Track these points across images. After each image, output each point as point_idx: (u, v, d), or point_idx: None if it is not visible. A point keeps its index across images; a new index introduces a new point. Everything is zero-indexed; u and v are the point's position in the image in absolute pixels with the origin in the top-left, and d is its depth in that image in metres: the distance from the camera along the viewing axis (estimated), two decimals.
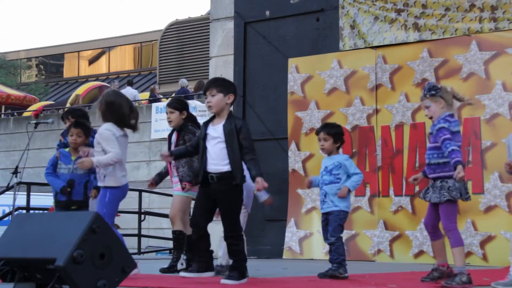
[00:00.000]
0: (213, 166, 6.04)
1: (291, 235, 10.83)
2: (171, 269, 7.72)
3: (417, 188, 9.94)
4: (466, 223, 9.40)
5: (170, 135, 7.91)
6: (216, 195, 6.09)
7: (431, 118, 6.45)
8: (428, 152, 6.37)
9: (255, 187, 6.16)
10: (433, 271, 6.52)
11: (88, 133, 7.60)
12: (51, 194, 7.77)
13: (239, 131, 6.03)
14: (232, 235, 6.10)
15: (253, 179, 6.01)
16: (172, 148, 7.69)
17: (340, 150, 7.15)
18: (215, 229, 8.02)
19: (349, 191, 6.88)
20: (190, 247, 7.55)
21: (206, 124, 6.19)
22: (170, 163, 7.73)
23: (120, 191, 6.64)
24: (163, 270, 7.70)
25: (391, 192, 10.19)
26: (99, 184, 6.68)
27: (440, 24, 10.02)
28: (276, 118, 11.38)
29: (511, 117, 9.41)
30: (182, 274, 6.31)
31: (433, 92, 6.41)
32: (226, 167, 6.01)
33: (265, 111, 11.54)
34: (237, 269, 6.03)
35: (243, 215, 7.12)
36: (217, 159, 6.03)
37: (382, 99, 10.42)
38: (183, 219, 7.83)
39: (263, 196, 6.26)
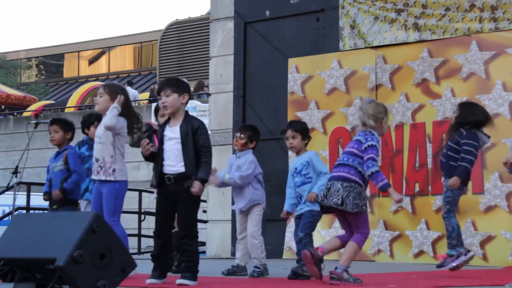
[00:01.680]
0: (170, 168, 5.99)
1: (291, 235, 10.83)
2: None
3: (417, 188, 9.94)
4: (466, 223, 9.40)
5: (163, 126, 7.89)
6: (174, 197, 6.01)
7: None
8: None
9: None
10: None
11: (68, 128, 7.59)
12: None
13: (195, 132, 5.98)
14: (188, 234, 5.99)
15: (198, 180, 5.93)
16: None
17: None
18: (214, 229, 8.03)
19: (317, 195, 6.77)
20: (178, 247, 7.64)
21: (163, 126, 6.14)
22: None
23: (127, 185, 6.64)
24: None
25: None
26: (104, 178, 6.52)
27: (440, 24, 10.02)
28: (276, 118, 11.37)
29: None
30: (149, 281, 6.10)
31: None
32: (182, 169, 5.96)
33: (265, 111, 11.54)
34: (192, 270, 5.96)
35: (259, 213, 7.13)
36: (175, 160, 5.97)
37: (382, 99, 10.39)
38: None
39: None
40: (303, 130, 7.01)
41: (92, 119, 7.81)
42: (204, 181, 5.97)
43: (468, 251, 7.21)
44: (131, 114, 6.67)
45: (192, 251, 6.02)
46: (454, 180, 7.08)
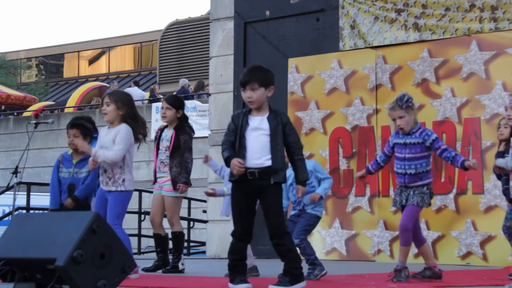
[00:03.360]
0: (255, 161, 5.40)
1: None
2: (173, 269, 7.72)
3: None
4: (466, 223, 9.40)
5: (161, 130, 7.88)
6: (258, 192, 5.44)
7: (401, 129, 6.43)
8: (415, 162, 6.39)
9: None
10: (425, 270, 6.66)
11: (87, 133, 7.40)
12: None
13: (285, 126, 5.47)
14: (276, 232, 5.38)
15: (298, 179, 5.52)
16: (164, 144, 7.70)
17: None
18: (214, 229, 8.03)
19: (321, 197, 6.88)
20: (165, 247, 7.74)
21: (245, 115, 5.56)
22: (160, 162, 7.72)
23: (132, 193, 6.64)
24: (165, 270, 7.70)
25: (391, 192, 10.18)
26: (115, 189, 6.45)
27: (440, 24, 10.02)
28: None
29: None
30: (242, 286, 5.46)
31: (409, 104, 6.46)
32: (268, 162, 5.39)
33: None
34: (290, 272, 5.35)
35: None
36: (260, 153, 5.40)
37: (382, 99, 10.41)
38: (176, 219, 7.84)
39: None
40: None
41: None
42: (305, 184, 5.54)
43: None
44: (138, 120, 6.63)
45: (287, 250, 5.41)
46: None
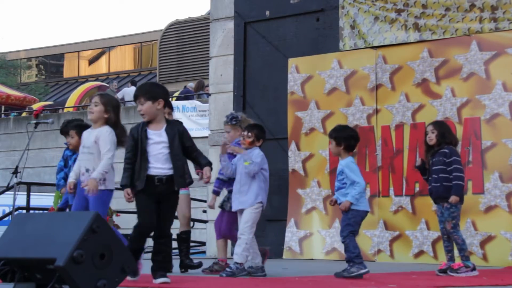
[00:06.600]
0: (159, 170, 6.09)
1: (291, 235, 10.83)
2: (193, 267, 7.85)
3: (417, 188, 9.94)
4: (466, 223, 9.40)
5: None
6: (161, 197, 6.14)
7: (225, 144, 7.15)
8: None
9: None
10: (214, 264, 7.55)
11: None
12: (51, 194, 7.76)
13: (182, 135, 6.18)
14: (168, 235, 6.20)
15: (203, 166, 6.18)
16: None
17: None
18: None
19: (352, 203, 6.90)
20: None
21: (143, 127, 6.19)
22: None
23: (112, 193, 6.62)
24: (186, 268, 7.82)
25: (391, 192, 10.19)
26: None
27: (440, 24, 10.02)
28: (276, 118, 11.38)
29: None
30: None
31: (233, 122, 7.53)
32: (170, 171, 6.09)
33: (265, 111, 11.54)
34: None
35: (257, 211, 7.11)
36: (165, 163, 6.10)
37: (382, 99, 10.41)
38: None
39: None
40: (337, 137, 7.07)
41: (68, 128, 7.82)
42: (210, 164, 6.20)
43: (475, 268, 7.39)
44: (118, 127, 6.64)
45: (168, 252, 6.20)
46: (455, 199, 7.35)
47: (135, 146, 6.16)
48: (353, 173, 6.93)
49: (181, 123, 6.49)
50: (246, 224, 7.07)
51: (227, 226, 7.61)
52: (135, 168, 6.13)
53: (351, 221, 6.92)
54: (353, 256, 6.80)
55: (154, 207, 6.12)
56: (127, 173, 6.15)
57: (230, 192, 7.58)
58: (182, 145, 6.17)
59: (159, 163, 6.11)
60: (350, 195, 6.88)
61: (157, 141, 6.14)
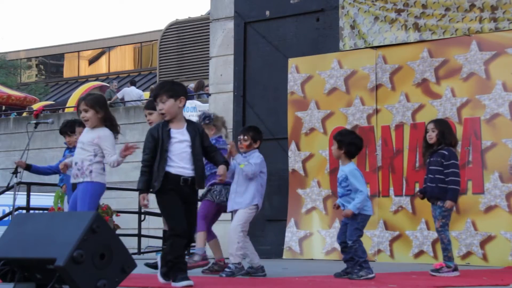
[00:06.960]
0: (183, 170, 5.85)
1: (291, 235, 10.83)
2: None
3: (417, 188, 9.94)
4: (466, 223, 9.40)
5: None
6: (185, 199, 5.86)
7: None
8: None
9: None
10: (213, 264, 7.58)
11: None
12: (51, 194, 7.77)
13: (202, 134, 6.00)
14: (194, 240, 6.13)
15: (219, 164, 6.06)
16: None
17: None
18: (214, 229, 8.03)
19: (354, 213, 6.86)
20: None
21: (164, 127, 5.95)
22: None
23: (103, 187, 6.60)
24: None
25: (391, 192, 10.19)
26: (82, 179, 6.45)
27: (440, 24, 10.02)
28: (276, 118, 11.38)
29: None
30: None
31: (206, 121, 7.70)
32: (193, 173, 5.87)
33: (265, 111, 11.54)
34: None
35: (251, 212, 7.12)
36: (188, 162, 5.87)
37: (382, 99, 10.42)
38: None
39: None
40: (340, 141, 7.02)
41: (66, 128, 7.83)
42: (227, 163, 6.13)
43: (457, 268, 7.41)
44: (113, 120, 6.65)
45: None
46: (450, 204, 7.40)
47: (154, 148, 5.87)
48: (357, 180, 6.89)
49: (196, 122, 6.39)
50: (238, 223, 7.10)
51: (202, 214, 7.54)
52: (153, 170, 5.84)
53: (359, 226, 6.93)
54: (362, 261, 6.81)
55: (183, 209, 5.82)
56: (144, 177, 5.87)
57: (212, 185, 7.60)
58: (202, 144, 5.97)
59: (183, 162, 5.84)
60: (353, 204, 6.85)
61: (181, 140, 5.89)
